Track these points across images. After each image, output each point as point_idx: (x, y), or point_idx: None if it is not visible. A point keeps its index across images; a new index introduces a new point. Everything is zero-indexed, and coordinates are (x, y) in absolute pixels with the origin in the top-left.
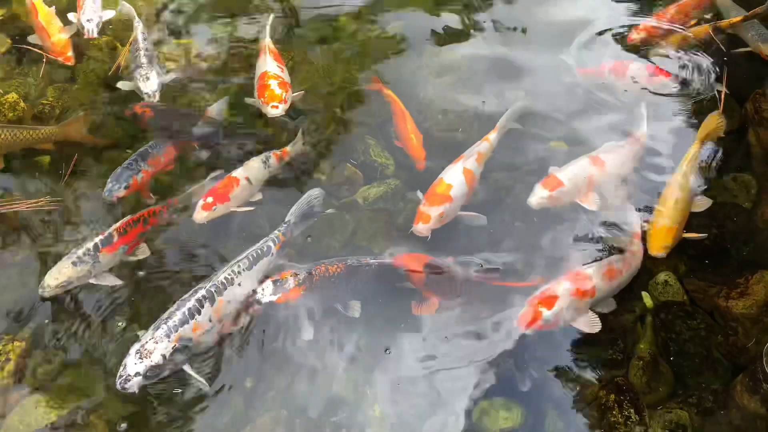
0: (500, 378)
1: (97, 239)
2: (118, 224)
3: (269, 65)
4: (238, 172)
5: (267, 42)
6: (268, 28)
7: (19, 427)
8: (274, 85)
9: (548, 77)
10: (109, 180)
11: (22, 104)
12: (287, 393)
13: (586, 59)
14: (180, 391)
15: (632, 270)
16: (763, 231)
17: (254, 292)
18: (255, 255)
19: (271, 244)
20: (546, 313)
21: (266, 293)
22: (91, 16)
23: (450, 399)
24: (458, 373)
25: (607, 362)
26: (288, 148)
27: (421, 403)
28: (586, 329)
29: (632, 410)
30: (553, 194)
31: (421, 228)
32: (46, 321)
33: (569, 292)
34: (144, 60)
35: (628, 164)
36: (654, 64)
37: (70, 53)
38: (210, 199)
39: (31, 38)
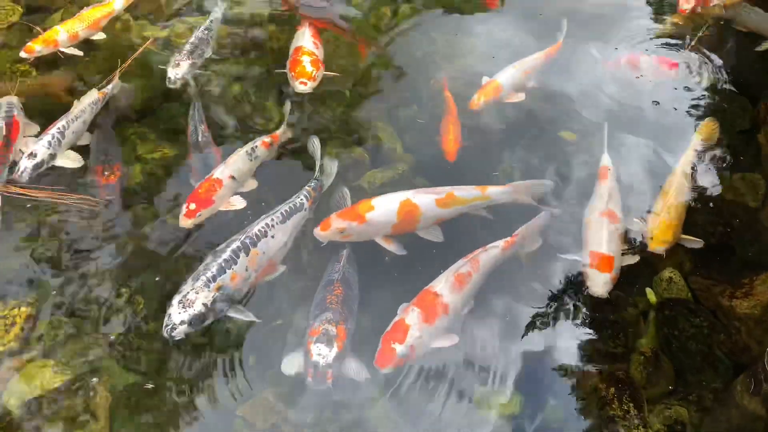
0: (500, 365)
1: None
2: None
3: (306, 40)
4: (221, 172)
5: None
6: None
7: (25, 390)
8: (307, 61)
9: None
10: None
11: (34, 73)
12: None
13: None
14: (152, 386)
15: (489, 265)
16: None
17: (315, 366)
18: (288, 209)
19: (303, 200)
20: (399, 348)
21: (327, 353)
22: (32, 149)
23: (449, 385)
24: (457, 359)
25: (608, 355)
26: (279, 132)
27: (421, 389)
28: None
29: (631, 404)
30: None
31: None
32: (53, 288)
33: (420, 319)
34: (188, 47)
35: None
36: (664, 55)
37: (36, 48)
38: (193, 206)
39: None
